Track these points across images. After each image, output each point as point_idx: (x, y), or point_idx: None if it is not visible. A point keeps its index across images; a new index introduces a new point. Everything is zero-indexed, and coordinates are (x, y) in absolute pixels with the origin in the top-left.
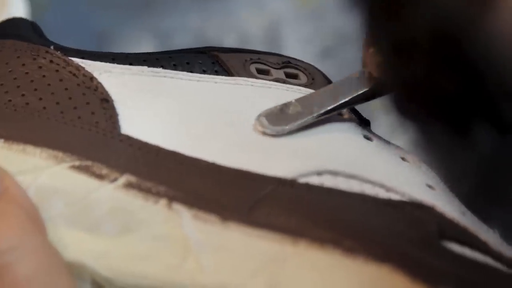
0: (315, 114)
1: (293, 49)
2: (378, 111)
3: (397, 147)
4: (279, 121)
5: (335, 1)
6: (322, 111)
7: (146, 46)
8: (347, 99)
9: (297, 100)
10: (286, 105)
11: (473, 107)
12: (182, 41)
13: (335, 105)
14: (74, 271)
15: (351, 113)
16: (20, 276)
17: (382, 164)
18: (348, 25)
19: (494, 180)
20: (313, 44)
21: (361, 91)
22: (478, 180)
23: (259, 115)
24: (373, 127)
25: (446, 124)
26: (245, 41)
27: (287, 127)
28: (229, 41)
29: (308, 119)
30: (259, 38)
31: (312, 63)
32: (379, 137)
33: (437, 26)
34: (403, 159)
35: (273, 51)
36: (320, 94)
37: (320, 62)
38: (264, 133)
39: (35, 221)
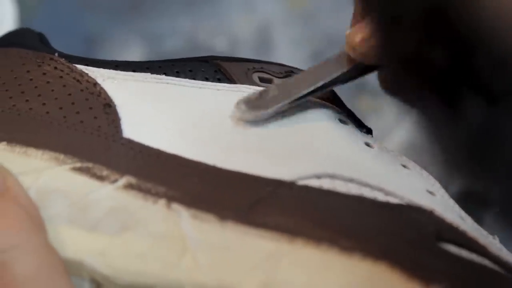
0: (293, 98)
1: (283, 52)
2: (370, 113)
3: (399, 154)
4: (257, 106)
5: (325, 4)
6: (300, 94)
7: (136, 50)
8: (325, 81)
9: (276, 85)
10: (264, 91)
11: (463, 79)
12: (172, 45)
13: (313, 87)
14: (73, 269)
15: (353, 120)
16: (19, 275)
17: (382, 169)
18: (338, 28)
19: (484, 151)
20: (303, 47)
21: (339, 73)
22: (469, 152)
23: (238, 102)
24: None
25: (437, 97)
26: (235, 44)
27: (265, 112)
28: (220, 44)
29: (285, 102)
30: (249, 41)
31: (302, 66)
32: (381, 145)
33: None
34: (404, 166)
35: (263, 54)
36: (298, 77)
37: (310, 64)
38: (242, 119)
39: (35, 220)
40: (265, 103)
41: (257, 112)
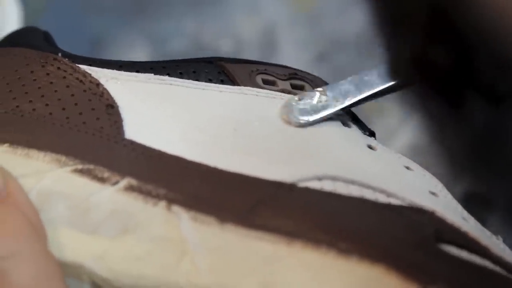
0: (340, 106)
1: (288, 54)
2: (374, 115)
3: (401, 156)
4: (307, 111)
5: (330, 6)
6: (348, 102)
7: (141, 51)
8: (373, 91)
9: (323, 90)
10: (311, 95)
11: (467, 80)
12: (177, 46)
13: (361, 96)
14: (73, 272)
15: (356, 123)
16: (17, 283)
17: (384, 171)
18: (343, 30)
19: (488, 152)
20: (308, 49)
21: (387, 84)
22: (473, 152)
23: (287, 104)
24: None
25: (441, 97)
26: (240, 46)
27: (311, 117)
28: (225, 46)
29: (333, 110)
30: (254, 43)
31: (307, 68)
32: (383, 147)
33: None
34: (407, 168)
35: (268, 56)
36: (346, 84)
37: (315, 67)
38: (289, 123)
39: (35, 227)
40: (315, 108)
41: (304, 117)
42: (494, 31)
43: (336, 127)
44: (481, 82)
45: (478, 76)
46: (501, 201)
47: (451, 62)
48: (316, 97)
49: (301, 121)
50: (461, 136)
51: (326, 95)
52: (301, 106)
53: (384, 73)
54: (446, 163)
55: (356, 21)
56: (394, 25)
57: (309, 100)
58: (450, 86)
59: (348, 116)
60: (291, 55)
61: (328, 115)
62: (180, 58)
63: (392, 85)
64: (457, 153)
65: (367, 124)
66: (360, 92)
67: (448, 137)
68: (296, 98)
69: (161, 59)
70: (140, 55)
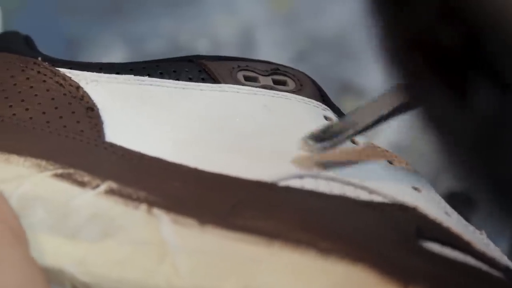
0: (354, 131)
1: (267, 53)
2: None
3: (385, 150)
4: (323, 139)
5: (309, 5)
6: (363, 127)
7: (118, 52)
8: (385, 113)
9: (339, 120)
10: (327, 126)
11: (473, 64)
12: (154, 47)
13: (374, 120)
14: (54, 277)
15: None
16: None
17: (366, 167)
18: (322, 29)
19: (494, 140)
20: (287, 48)
21: (398, 104)
22: (478, 141)
23: (304, 139)
24: None
25: (445, 83)
26: (218, 46)
27: (329, 143)
28: (202, 46)
29: (348, 136)
30: (232, 43)
31: None
32: (366, 142)
33: None
34: (390, 162)
35: (246, 56)
36: (359, 111)
37: (294, 66)
38: (311, 152)
39: (16, 233)
40: (329, 136)
41: (322, 144)
42: (505, 15)
43: (317, 122)
44: (489, 68)
45: (487, 62)
46: (489, 197)
47: (459, 43)
48: (333, 126)
49: (322, 150)
50: (465, 125)
51: (342, 123)
52: (318, 137)
53: (393, 96)
54: (428, 162)
55: (335, 20)
56: (398, 4)
57: (326, 131)
58: (456, 71)
59: (331, 110)
60: (269, 55)
61: (345, 140)
62: (158, 58)
63: (402, 105)
64: (460, 142)
65: None
66: (373, 116)
67: (451, 125)
68: (311, 132)
69: (138, 60)
70: (117, 56)
